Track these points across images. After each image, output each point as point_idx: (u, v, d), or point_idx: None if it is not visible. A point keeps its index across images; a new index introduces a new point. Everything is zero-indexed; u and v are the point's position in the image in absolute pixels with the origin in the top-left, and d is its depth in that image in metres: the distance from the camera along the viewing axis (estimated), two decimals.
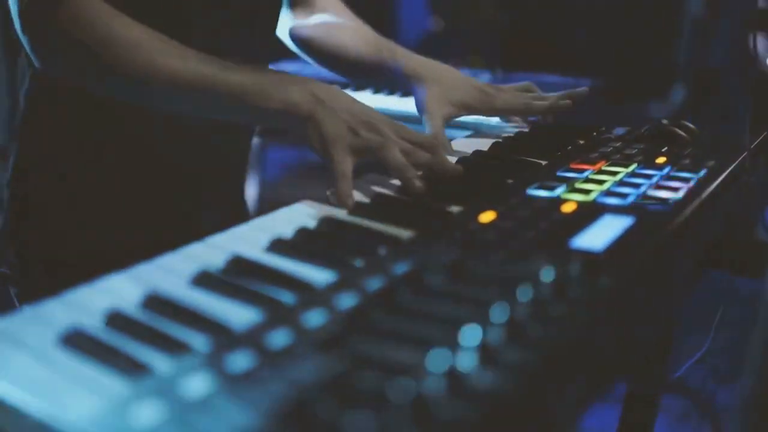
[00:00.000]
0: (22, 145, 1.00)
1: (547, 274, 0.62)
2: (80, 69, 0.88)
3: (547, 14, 3.51)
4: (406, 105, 1.62)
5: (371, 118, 0.85)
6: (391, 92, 1.72)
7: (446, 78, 1.11)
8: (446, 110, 1.08)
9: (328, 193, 0.82)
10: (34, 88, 0.98)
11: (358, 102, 0.87)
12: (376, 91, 1.74)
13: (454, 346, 0.51)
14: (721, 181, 0.87)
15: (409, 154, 0.84)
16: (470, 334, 0.52)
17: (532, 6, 3.57)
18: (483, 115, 1.13)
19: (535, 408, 0.52)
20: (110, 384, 0.49)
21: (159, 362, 0.51)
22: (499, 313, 0.54)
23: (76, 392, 0.48)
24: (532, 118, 1.19)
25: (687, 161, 0.94)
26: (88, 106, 0.95)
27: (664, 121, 1.08)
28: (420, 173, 0.84)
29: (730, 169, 0.90)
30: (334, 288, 0.61)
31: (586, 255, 0.67)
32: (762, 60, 2.89)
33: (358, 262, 0.66)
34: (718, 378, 1.89)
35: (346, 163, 0.82)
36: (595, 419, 1.23)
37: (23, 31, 0.84)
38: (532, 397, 0.51)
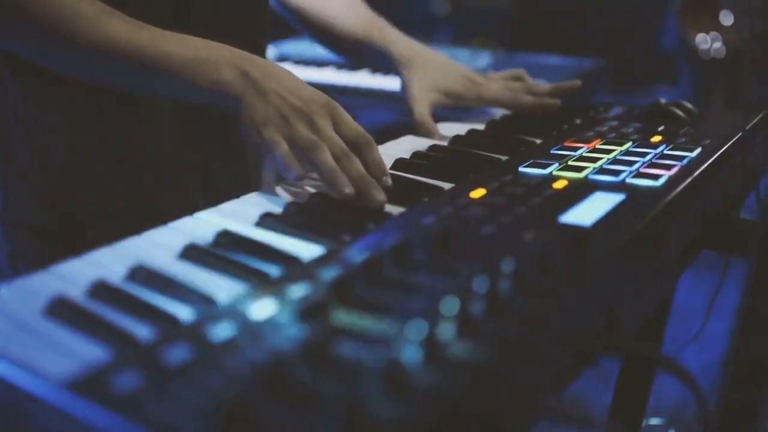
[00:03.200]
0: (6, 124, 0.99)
1: (532, 248, 0.62)
2: (10, 33, 0.84)
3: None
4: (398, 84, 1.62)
5: (307, 105, 0.79)
6: (387, 73, 1.71)
7: (434, 64, 1.10)
8: (432, 97, 1.07)
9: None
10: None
11: (294, 81, 0.81)
12: (374, 70, 1.74)
13: (434, 316, 0.51)
14: (715, 160, 0.87)
15: (340, 160, 0.78)
16: (449, 305, 0.52)
17: None
18: (470, 104, 1.11)
19: (516, 380, 0.52)
20: (90, 351, 0.49)
21: (141, 331, 0.51)
22: (480, 284, 0.54)
23: (55, 359, 0.48)
24: None
25: (682, 140, 0.94)
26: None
27: (662, 101, 1.08)
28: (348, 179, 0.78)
29: (724, 149, 0.90)
30: (320, 261, 0.62)
31: (575, 230, 0.66)
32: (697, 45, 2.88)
33: (346, 237, 0.66)
34: (715, 365, 1.89)
35: (278, 139, 0.78)
36: (593, 391, 1.23)
37: None
38: (513, 369, 0.51)
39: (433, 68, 1.08)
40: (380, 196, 0.76)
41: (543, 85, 1.12)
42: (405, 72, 1.08)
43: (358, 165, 0.78)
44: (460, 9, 3.41)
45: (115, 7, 0.82)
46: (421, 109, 1.04)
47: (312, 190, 0.80)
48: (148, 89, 0.87)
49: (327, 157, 0.77)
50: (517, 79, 1.14)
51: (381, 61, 1.12)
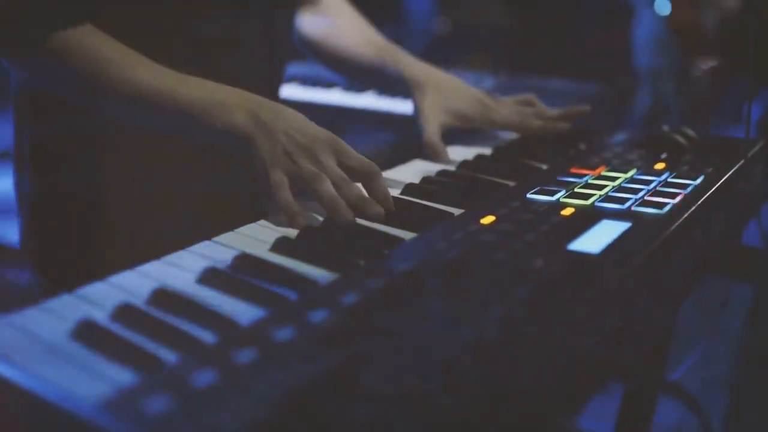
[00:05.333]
0: (23, 145, 1.02)
1: (542, 275, 0.64)
2: (43, 74, 0.91)
3: (553, 18, 3.53)
4: (407, 107, 1.65)
5: (311, 142, 0.83)
6: (394, 95, 1.74)
7: (446, 87, 1.12)
8: (443, 119, 1.09)
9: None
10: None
11: (301, 120, 0.86)
12: (381, 92, 1.77)
13: (451, 342, 0.53)
14: (718, 188, 0.89)
15: (341, 187, 0.81)
16: (467, 332, 0.54)
17: (538, 9, 3.59)
18: (480, 126, 1.13)
19: (530, 405, 0.54)
20: (119, 374, 0.51)
21: (167, 355, 0.53)
22: (493, 311, 0.56)
23: (86, 381, 0.50)
24: None
25: (685, 168, 0.96)
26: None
27: (665, 128, 1.10)
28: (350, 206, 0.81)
29: (726, 176, 0.92)
30: (337, 286, 0.64)
31: (583, 257, 0.69)
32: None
33: (362, 262, 0.68)
34: (717, 386, 1.91)
35: (282, 181, 0.81)
36: (593, 417, 1.25)
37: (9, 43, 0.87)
38: (524, 394, 0.53)
39: (446, 91, 1.11)
40: (377, 209, 0.81)
41: (552, 110, 1.14)
42: (417, 94, 1.10)
43: (357, 189, 0.82)
44: (459, 27, 3.45)
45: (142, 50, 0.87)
46: (432, 130, 1.06)
47: (322, 216, 0.82)
48: (166, 129, 0.91)
49: (327, 187, 0.80)
50: (528, 103, 1.16)
51: (394, 85, 1.14)
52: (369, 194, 0.84)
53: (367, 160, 0.85)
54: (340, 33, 1.20)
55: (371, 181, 0.84)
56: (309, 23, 1.21)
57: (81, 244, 1.00)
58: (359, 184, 0.84)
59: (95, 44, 0.87)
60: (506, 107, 1.13)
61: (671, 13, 3.01)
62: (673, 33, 3.01)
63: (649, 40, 3.07)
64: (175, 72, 0.87)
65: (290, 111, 0.87)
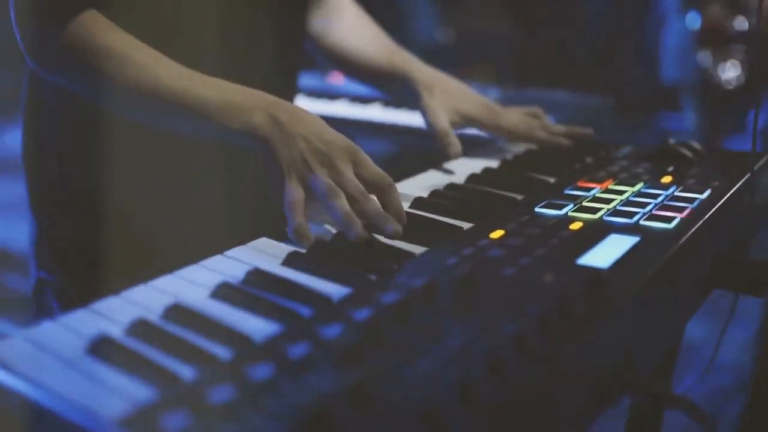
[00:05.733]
0: (38, 147, 1.03)
1: (552, 290, 0.64)
2: (66, 73, 0.91)
3: (558, 29, 3.54)
4: (413, 119, 1.66)
5: (329, 148, 0.83)
6: (399, 106, 1.75)
7: (455, 90, 1.13)
8: (451, 117, 1.10)
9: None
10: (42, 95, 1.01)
11: (319, 125, 0.85)
12: (387, 104, 1.78)
13: (464, 358, 0.53)
14: (726, 201, 0.89)
15: (358, 201, 0.81)
16: (479, 348, 0.54)
17: (541, 19, 3.60)
18: (487, 131, 1.14)
19: (540, 421, 0.55)
20: (136, 390, 0.51)
21: (183, 370, 0.54)
22: (505, 327, 0.57)
23: (103, 397, 0.51)
24: None
25: (692, 181, 0.97)
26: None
27: (671, 141, 1.11)
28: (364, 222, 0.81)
29: (733, 190, 0.93)
30: (350, 301, 0.64)
31: (592, 272, 0.69)
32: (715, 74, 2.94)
33: (373, 277, 0.69)
34: (723, 395, 1.91)
35: (298, 193, 0.81)
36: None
37: (18, 28, 0.88)
38: (537, 410, 0.53)
39: (454, 93, 1.12)
40: (394, 227, 0.80)
41: (558, 126, 1.15)
42: (425, 95, 1.11)
43: (373, 203, 0.82)
44: (462, 37, 3.46)
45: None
46: (442, 122, 1.07)
47: (334, 230, 0.83)
48: (185, 129, 0.92)
49: (342, 203, 0.80)
50: (534, 116, 1.17)
51: (403, 88, 1.15)
52: (383, 207, 0.83)
53: (382, 172, 0.85)
54: (348, 34, 1.20)
55: (386, 195, 0.84)
56: (317, 24, 1.22)
57: (91, 245, 1.01)
58: (374, 196, 0.84)
59: (114, 42, 0.87)
60: (513, 115, 1.14)
61: (701, 26, 3.01)
62: (703, 46, 3.01)
63: (679, 52, 3.07)
64: (194, 71, 0.87)
65: (308, 114, 0.87)
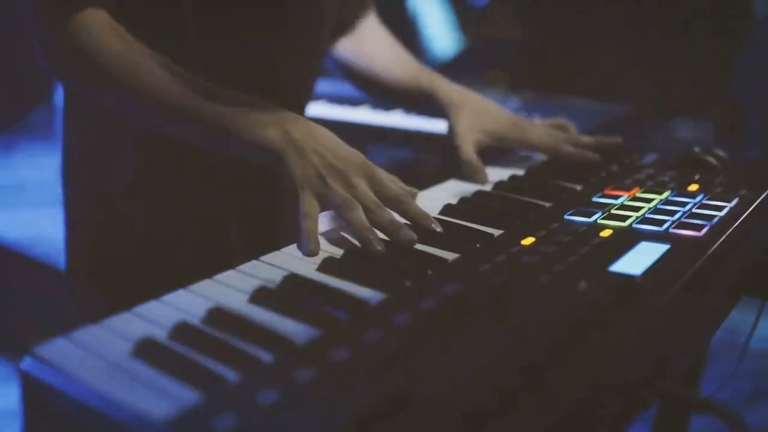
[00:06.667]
0: (70, 151, 1.05)
1: (586, 297, 0.65)
2: (84, 82, 0.93)
3: (576, 36, 3.53)
4: (435, 125, 1.67)
5: (343, 164, 0.84)
6: (422, 113, 1.76)
7: (481, 107, 1.14)
8: (479, 137, 1.10)
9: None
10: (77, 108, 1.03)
11: (333, 140, 0.86)
12: (409, 111, 1.79)
13: (501, 364, 0.54)
14: (753, 209, 0.90)
15: (373, 212, 0.81)
16: (515, 353, 0.55)
17: (559, 28, 3.60)
18: (514, 147, 1.15)
19: (574, 425, 0.55)
20: (184, 393, 0.52)
21: (227, 373, 0.55)
22: (540, 333, 0.58)
23: (153, 400, 0.52)
24: None
25: (719, 189, 0.97)
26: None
27: (696, 149, 1.11)
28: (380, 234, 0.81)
29: (762, 197, 0.93)
30: (387, 306, 0.65)
31: (625, 279, 0.70)
32: None
33: (408, 282, 0.70)
34: (743, 401, 1.91)
35: (312, 206, 0.82)
36: None
37: (36, 37, 0.90)
38: (572, 415, 0.54)
39: (480, 111, 1.12)
40: (410, 235, 0.80)
41: (585, 137, 1.15)
42: (452, 114, 1.12)
43: (387, 213, 0.82)
44: (475, 44, 3.46)
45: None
46: (468, 147, 1.08)
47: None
48: (198, 141, 0.93)
49: (359, 216, 0.80)
50: (561, 128, 1.18)
51: (428, 106, 1.16)
52: (404, 216, 0.84)
53: (398, 188, 0.85)
54: (374, 55, 1.22)
55: (406, 206, 0.84)
56: (345, 47, 1.23)
57: (124, 252, 1.03)
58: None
59: (131, 53, 0.88)
60: (539, 129, 1.14)
61: None
62: None
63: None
64: (209, 83, 0.88)
65: (322, 130, 0.87)
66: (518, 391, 0.52)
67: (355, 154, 0.86)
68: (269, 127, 0.85)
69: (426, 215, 0.84)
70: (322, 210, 0.83)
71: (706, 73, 3.06)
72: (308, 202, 0.82)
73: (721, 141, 2.94)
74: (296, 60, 1.07)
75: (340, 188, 0.82)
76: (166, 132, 0.93)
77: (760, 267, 0.92)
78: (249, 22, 0.99)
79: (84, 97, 1.01)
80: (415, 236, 0.80)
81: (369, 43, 1.23)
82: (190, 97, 0.87)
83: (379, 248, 0.78)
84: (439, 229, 0.83)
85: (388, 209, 0.83)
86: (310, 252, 0.78)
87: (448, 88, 1.15)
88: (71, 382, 0.54)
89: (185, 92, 0.87)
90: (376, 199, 0.83)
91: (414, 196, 0.93)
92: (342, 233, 0.85)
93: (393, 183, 0.88)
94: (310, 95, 1.15)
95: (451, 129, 1.12)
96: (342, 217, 0.82)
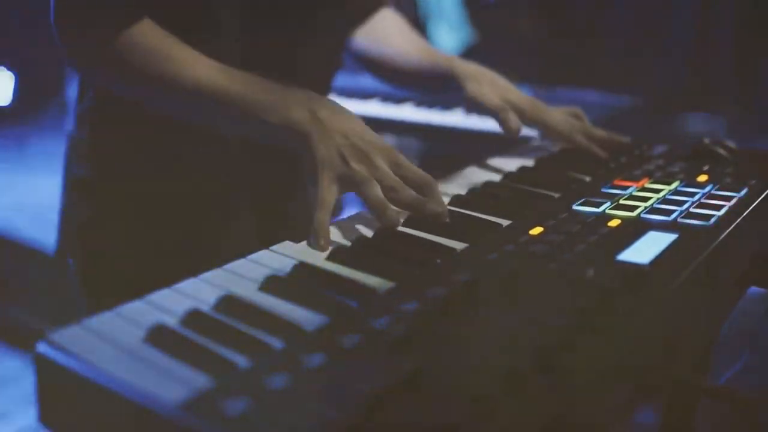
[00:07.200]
0: (78, 150, 1.06)
1: (595, 285, 0.65)
2: (106, 73, 0.94)
3: (586, 28, 3.52)
4: (445, 118, 1.67)
5: (367, 145, 0.83)
6: (432, 106, 1.76)
7: (502, 83, 1.13)
8: (500, 102, 1.09)
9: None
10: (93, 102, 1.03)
11: (359, 124, 0.86)
12: (419, 104, 1.79)
13: (511, 349, 0.55)
14: (762, 200, 0.90)
15: (395, 190, 0.82)
16: (525, 339, 0.55)
17: (570, 20, 3.59)
18: (529, 123, 1.13)
19: (584, 411, 0.56)
20: (196, 378, 0.53)
21: (238, 359, 0.56)
22: (551, 321, 0.58)
23: (167, 384, 0.53)
24: None
25: (728, 180, 0.97)
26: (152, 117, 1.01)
27: (705, 140, 1.11)
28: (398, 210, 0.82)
29: None
30: (397, 294, 0.66)
31: (634, 268, 0.70)
32: None
33: (417, 271, 0.70)
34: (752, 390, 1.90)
35: (330, 192, 0.82)
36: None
37: (57, 29, 0.90)
38: (581, 400, 0.55)
39: (501, 85, 1.12)
40: (439, 208, 0.81)
41: (599, 130, 1.15)
42: (471, 85, 1.11)
43: (410, 191, 0.82)
44: (486, 37, 3.45)
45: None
46: (496, 101, 1.07)
47: (374, 226, 0.84)
48: (224, 126, 0.94)
49: (376, 191, 0.81)
50: (575, 116, 1.18)
51: (447, 84, 1.15)
52: None
53: (422, 173, 0.85)
54: (388, 39, 1.22)
55: (427, 192, 0.84)
56: (359, 36, 1.24)
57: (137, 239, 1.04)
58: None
59: (156, 41, 0.88)
60: (556, 113, 1.15)
61: None
62: None
63: None
64: (233, 68, 0.89)
65: (349, 113, 0.87)
66: (527, 376, 0.52)
67: (381, 140, 0.86)
68: (296, 107, 0.85)
69: (444, 207, 0.84)
70: (340, 193, 0.83)
71: (719, 66, 3.04)
72: (326, 187, 0.82)
73: (733, 133, 2.93)
74: (319, 56, 1.08)
75: (362, 169, 0.82)
76: (193, 118, 0.94)
77: None
78: (279, 21, 1.00)
79: (101, 90, 1.02)
80: (445, 210, 0.81)
81: (382, 29, 1.23)
82: (218, 80, 0.87)
83: (396, 219, 0.79)
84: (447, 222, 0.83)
85: (409, 188, 0.83)
86: (320, 248, 0.78)
87: (465, 65, 1.15)
88: (87, 366, 0.55)
89: (214, 75, 0.87)
90: (398, 179, 0.83)
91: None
92: (352, 223, 0.85)
93: (417, 170, 0.87)
94: (329, 90, 1.16)
95: (472, 94, 1.10)
96: (360, 195, 0.82)
